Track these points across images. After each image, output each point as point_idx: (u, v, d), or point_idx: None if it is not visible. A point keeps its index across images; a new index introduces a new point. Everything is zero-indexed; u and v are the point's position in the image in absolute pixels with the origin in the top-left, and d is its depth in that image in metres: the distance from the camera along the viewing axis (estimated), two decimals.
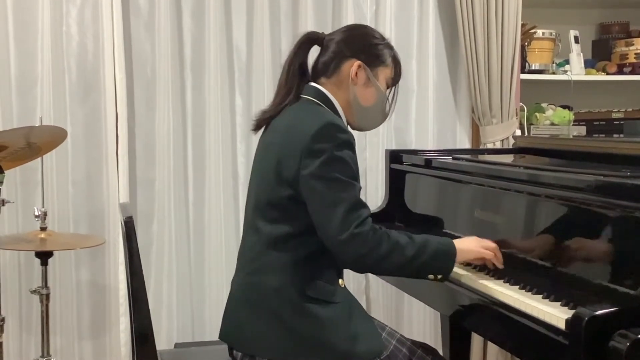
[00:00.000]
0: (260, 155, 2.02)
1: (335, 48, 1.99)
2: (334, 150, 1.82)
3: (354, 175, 1.86)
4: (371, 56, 2.00)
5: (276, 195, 1.89)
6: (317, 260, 1.91)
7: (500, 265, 2.02)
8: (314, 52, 2.06)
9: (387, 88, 2.06)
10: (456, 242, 1.95)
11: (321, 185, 1.81)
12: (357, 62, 1.97)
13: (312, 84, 2.00)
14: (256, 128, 2.06)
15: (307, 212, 1.86)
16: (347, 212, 1.80)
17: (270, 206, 1.92)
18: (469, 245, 1.99)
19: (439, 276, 1.91)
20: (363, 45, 2.01)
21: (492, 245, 2.02)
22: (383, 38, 2.06)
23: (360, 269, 1.94)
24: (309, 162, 1.82)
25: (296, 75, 1.98)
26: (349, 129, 2.01)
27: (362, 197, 3.23)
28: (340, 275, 1.99)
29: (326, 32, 2.08)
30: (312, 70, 2.03)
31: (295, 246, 1.89)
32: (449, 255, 1.92)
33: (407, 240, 1.87)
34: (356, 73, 1.97)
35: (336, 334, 1.89)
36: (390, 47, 2.06)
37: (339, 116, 1.98)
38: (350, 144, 1.86)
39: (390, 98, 2.07)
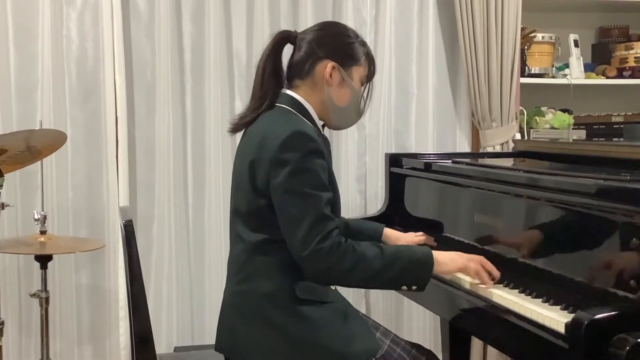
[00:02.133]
0: (236, 163, 2.02)
1: (308, 48, 1.97)
2: (300, 160, 1.81)
3: (322, 185, 1.84)
4: (345, 56, 1.98)
5: (254, 205, 1.89)
6: None
7: (496, 273, 1.99)
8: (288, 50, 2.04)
9: (362, 85, 2.04)
10: (436, 253, 1.91)
11: (287, 198, 1.81)
12: (330, 63, 1.96)
13: (286, 90, 1.99)
14: (232, 131, 2.05)
15: None
16: (310, 227, 1.78)
17: (249, 215, 1.92)
18: (450, 257, 1.96)
19: (414, 287, 1.87)
20: (336, 45, 1.99)
21: (477, 257, 1.99)
22: (356, 35, 2.04)
23: (323, 283, 1.90)
24: (277, 172, 1.82)
25: (271, 78, 1.97)
26: (324, 130, 2.03)
27: (362, 201, 3.33)
28: None
29: None
30: (287, 70, 2.02)
31: (281, 250, 1.88)
32: (424, 266, 1.87)
33: (376, 253, 1.84)
34: (330, 74, 1.96)
35: (330, 334, 1.89)
36: (364, 45, 2.03)
37: (313, 122, 1.98)
38: (318, 152, 1.85)
39: (364, 95, 2.05)
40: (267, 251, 1.90)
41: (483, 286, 1.96)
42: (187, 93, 3.18)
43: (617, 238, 1.71)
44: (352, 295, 3.24)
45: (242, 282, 1.95)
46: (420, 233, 2.40)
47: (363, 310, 3.29)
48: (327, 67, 1.95)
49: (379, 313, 3.36)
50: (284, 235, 1.84)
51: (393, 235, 2.36)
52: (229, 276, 2.02)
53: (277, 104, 1.97)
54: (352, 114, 2.06)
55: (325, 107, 2.00)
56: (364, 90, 2.05)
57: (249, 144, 1.95)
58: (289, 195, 1.81)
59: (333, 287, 1.99)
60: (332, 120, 2.04)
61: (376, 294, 3.37)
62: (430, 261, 1.88)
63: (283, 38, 2.00)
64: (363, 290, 3.34)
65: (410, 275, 1.86)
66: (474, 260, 1.98)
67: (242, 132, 2.06)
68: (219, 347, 2.02)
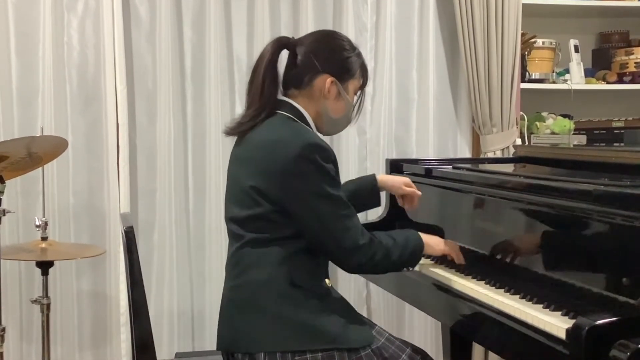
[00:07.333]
0: (236, 169, 2.04)
1: (307, 61, 2.01)
2: (319, 168, 1.88)
3: (340, 186, 1.98)
4: (343, 71, 2.04)
5: (257, 210, 1.92)
6: (302, 258, 1.94)
7: (461, 261, 2.21)
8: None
9: (355, 95, 2.11)
10: (424, 237, 2.12)
11: (315, 202, 1.89)
12: (329, 79, 2.01)
13: (286, 99, 2.03)
14: (228, 134, 2.08)
15: (292, 221, 1.91)
16: (347, 225, 1.91)
17: (250, 219, 1.95)
18: (435, 242, 2.18)
19: (410, 268, 2.17)
20: (335, 60, 2.04)
21: (452, 243, 2.22)
22: (353, 47, 2.08)
23: (356, 273, 2.15)
24: (297, 181, 1.88)
25: (271, 86, 2.01)
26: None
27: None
28: (327, 276, 2.02)
29: None
30: (284, 78, 2.05)
31: (277, 243, 1.93)
32: (420, 251, 2.10)
33: (392, 244, 2.01)
34: (329, 89, 2.01)
35: (326, 319, 1.92)
36: (359, 56, 2.09)
37: (311, 128, 2.03)
38: (331, 159, 1.92)
39: (357, 105, 2.12)
40: (262, 245, 1.94)
41: (483, 291, 1.97)
42: (188, 99, 3.18)
43: (617, 244, 1.71)
44: (353, 299, 3.25)
45: (238, 276, 1.98)
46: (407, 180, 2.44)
47: (364, 315, 3.28)
48: (325, 82, 2.01)
49: (380, 318, 3.36)
50: (315, 237, 1.92)
51: (388, 180, 2.43)
52: (226, 275, 2.05)
53: (278, 111, 2.00)
54: (344, 122, 2.14)
55: (319, 117, 2.06)
56: (357, 99, 2.12)
57: (252, 151, 1.98)
58: (317, 199, 1.89)
59: (329, 283, 2.01)
60: (325, 128, 2.11)
61: (377, 299, 3.37)
62: (422, 245, 2.10)
63: (281, 45, 2.04)
64: (364, 294, 3.36)
65: (412, 259, 2.09)
66: (451, 246, 2.22)
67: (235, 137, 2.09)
68: (220, 344, 2.03)
